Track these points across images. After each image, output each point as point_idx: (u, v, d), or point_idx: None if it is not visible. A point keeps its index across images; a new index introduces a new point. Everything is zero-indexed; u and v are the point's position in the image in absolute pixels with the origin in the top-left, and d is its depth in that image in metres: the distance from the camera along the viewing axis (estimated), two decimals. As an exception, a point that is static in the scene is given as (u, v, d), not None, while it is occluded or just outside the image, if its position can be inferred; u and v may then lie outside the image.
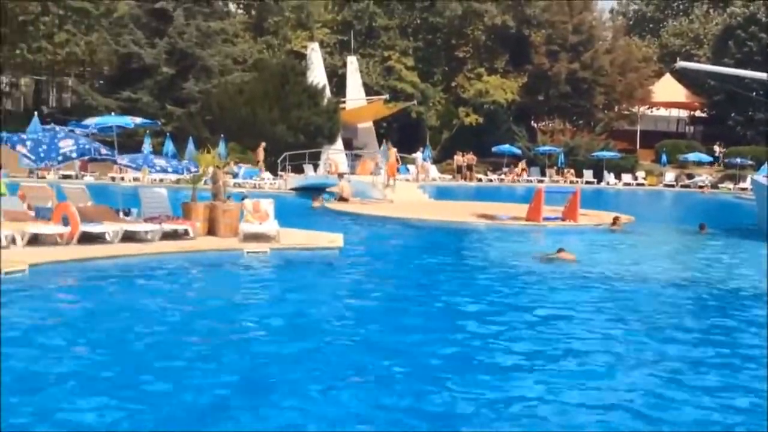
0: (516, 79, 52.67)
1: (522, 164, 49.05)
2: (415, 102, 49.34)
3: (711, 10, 68.64)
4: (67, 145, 14.76)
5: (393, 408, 7.20)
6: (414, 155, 43.12)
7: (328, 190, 31.44)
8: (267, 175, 37.05)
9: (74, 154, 15.09)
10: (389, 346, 9.32)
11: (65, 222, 14.79)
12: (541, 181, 44.37)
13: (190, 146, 35.89)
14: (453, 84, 53.43)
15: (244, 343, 9.16)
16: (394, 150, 31.97)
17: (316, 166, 39.60)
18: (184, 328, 9.76)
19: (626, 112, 59.03)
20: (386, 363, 8.53)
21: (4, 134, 19.97)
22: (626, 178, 49.99)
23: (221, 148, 35.96)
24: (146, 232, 15.85)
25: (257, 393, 7.45)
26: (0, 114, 43.01)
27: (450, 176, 46.25)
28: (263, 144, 37.50)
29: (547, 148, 50.10)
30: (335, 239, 17.28)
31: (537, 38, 53.72)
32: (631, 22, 74.71)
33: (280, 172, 36.99)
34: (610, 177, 49.42)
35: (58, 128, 22.12)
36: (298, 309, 11.15)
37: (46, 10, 41.34)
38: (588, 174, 48.99)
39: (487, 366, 8.61)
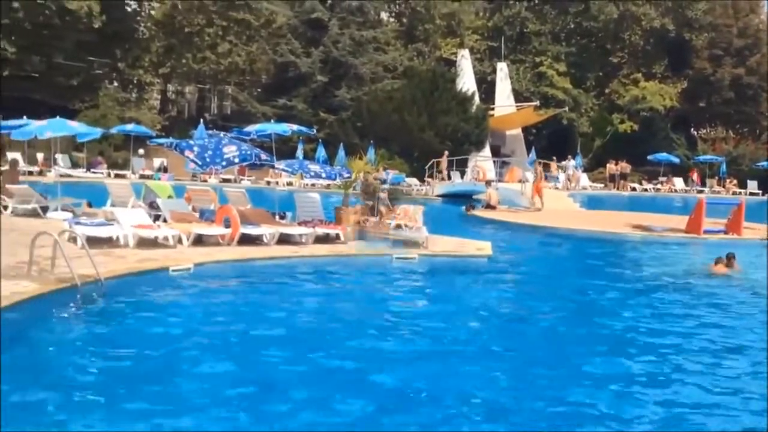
0: (675, 84, 50.48)
1: (695, 174, 46.65)
2: (566, 108, 48.25)
3: None
4: (230, 151, 15.49)
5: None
6: (564, 163, 42.15)
7: (475, 197, 31.31)
8: (413, 180, 37.33)
9: (237, 160, 15.80)
10: (545, 361, 9.15)
11: (227, 224, 15.52)
12: (701, 192, 42.24)
13: (341, 152, 36.81)
14: (607, 90, 51.90)
15: (396, 345, 9.29)
16: (540, 169, 31.30)
17: (463, 173, 39.53)
18: (341, 325, 10.01)
19: (796, 120, 55.19)
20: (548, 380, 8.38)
21: (173, 140, 21.25)
22: (795, 189, 46.63)
23: (370, 154, 36.63)
24: (300, 236, 16.36)
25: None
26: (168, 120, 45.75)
27: (602, 185, 44.85)
28: (446, 152, 37.75)
29: (707, 156, 47.61)
30: (483, 247, 17.17)
31: (699, 42, 51.21)
32: (803, 24, 69.86)
33: (427, 179, 37.20)
34: (777, 188, 46.28)
35: (222, 134, 23.24)
36: (450, 315, 11.16)
37: (211, 22, 43.65)
38: (752, 185, 46.07)
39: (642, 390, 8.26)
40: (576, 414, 7.27)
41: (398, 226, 19.23)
